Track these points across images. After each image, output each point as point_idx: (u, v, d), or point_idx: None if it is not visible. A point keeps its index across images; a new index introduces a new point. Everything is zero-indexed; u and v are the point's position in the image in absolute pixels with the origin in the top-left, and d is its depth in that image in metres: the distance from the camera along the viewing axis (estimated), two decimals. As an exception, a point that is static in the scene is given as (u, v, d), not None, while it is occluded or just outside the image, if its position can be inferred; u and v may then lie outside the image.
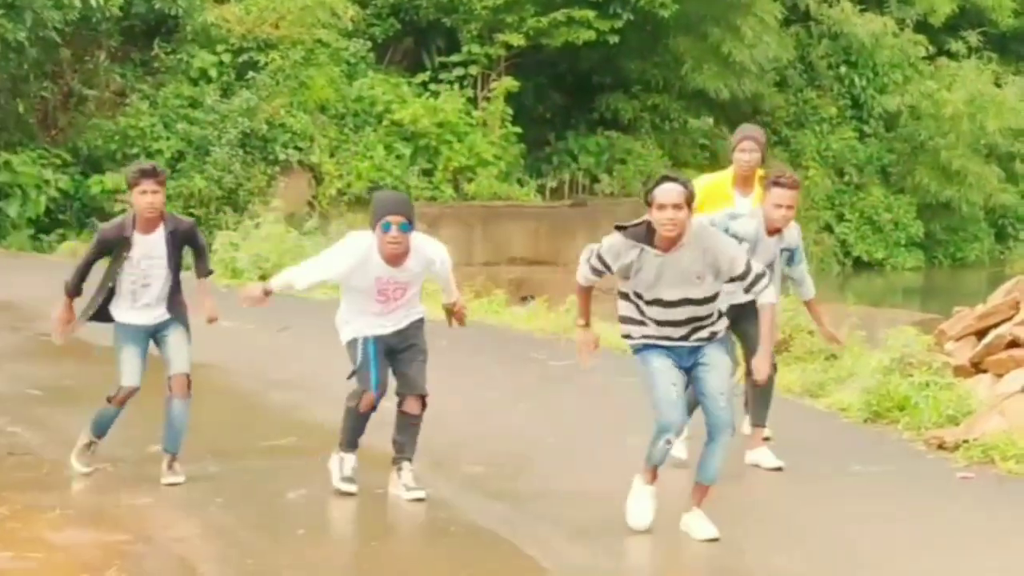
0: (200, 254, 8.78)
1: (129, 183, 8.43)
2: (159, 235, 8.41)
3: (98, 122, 23.75)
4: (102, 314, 8.56)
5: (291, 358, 12.47)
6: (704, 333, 7.58)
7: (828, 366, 12.47)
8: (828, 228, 33.83)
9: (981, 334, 12.19)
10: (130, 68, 25.15)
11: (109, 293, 8.47)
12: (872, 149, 35.07)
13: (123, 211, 22.40)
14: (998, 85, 35.67)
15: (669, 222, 7.27)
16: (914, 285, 32.94)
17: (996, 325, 12.01)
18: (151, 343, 8.56)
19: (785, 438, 9.60)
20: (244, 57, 25.37)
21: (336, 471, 8.38)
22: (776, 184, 8.81)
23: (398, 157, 25.94)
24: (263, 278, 17.73)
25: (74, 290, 8.55)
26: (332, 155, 25.38)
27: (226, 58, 25.26)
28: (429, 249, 8.26)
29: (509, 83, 27.95)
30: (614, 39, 28.02)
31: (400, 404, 8.31)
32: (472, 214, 25.68)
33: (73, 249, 21.26)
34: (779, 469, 9.15)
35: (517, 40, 27.75)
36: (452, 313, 8.67)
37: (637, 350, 7.67)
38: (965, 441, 9.65)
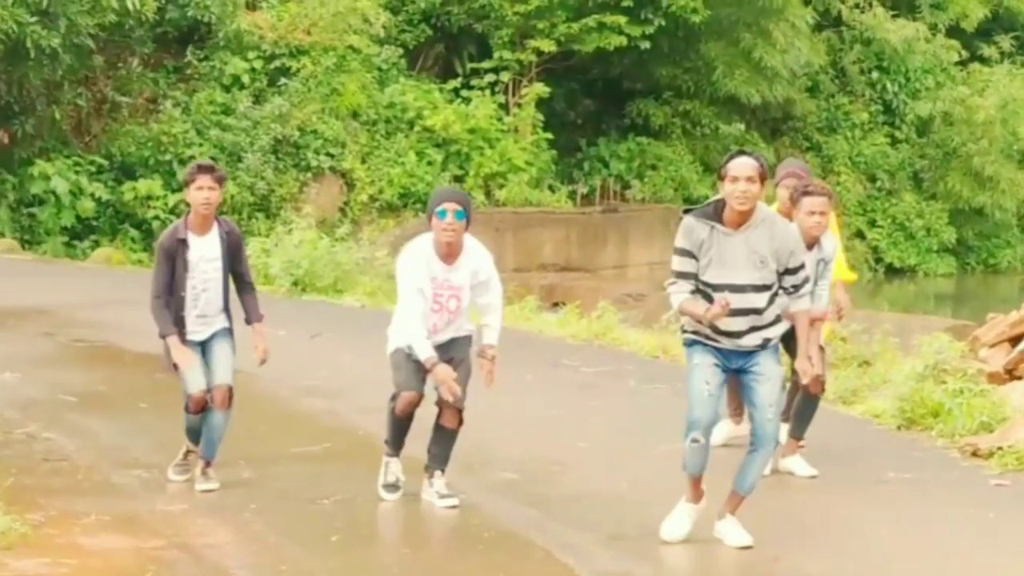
0: (249, 288, 8.66)
1: (186, 180, 8.48)
2: (214, 235, 8.45)
3: (131, 129, 23.85)
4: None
5: (323, 365, 12.49)
6: (757, 338, 7.49)
7: (861, 373, 12.45)
8: (860, 234, 33.72)
9: (1015, 341, 12.13)
10: (163, 75, 25.25)
11: (178, 302, 8.43)
12: (904, 155, 34.96)
13: (155, 217, 22.62)
14: (1031, 90, 35.56)
15: (742, 195, 7.28)
16: (946, 291, 32.81)
17: (1031, 331, 11.96)
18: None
19: (818, 445, 9.57)
20: (276, 63, 25.45)
21: (381, 476, 8.42)
22: (807, 194, 8.85)
23: (429, 163, 25.99)
24: (295, 284, 17.82)
25: (169, 326, 8.40)
26: (364, 161, 25.44)
27: (258, 64, 25.34)
28: (479, 253, 8.23)
29: (540, 89, 27.96)
30: (645, 45, 28.02)
31: (438, 416, 8.32)
32: (503, 220, 25.69)
33: (107, 256, 21.37)
34: (813, 477, 9.13)
35: (548, 46, 27.77)
36: (483, 360, 8.34)
37: (687, 344, 7.65)
38: (999, 448, 9.61)
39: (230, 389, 8.50)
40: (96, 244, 22.68)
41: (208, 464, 8.56)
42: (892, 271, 33.86)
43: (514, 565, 7.42)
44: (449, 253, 8.06)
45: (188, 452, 8.72)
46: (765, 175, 7.39)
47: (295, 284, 17.92)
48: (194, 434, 8.65)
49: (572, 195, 28.81)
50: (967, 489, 9.06)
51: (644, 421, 10.49)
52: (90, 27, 21.91)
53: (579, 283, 24.99)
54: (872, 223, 34.11)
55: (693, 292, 7.45)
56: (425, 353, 8.00)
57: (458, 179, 26.31)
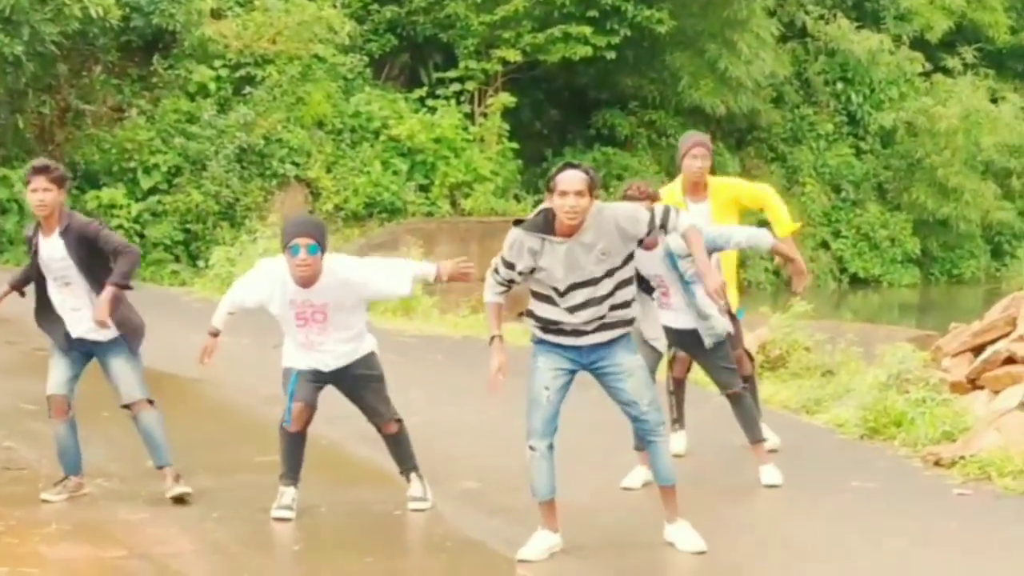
0: (114, 256, 8.23)
1: (24, 182, 8.36)
2: (55, 237, 8.25)
3: (95, 136, 23.74)
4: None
5: (287, 373, 12.43)
6: (604, 337, 7.37)
7: (825, 382, 12.50)
8: (824, 245, 33.85)
9: (978, 350, 12.19)
10: (128, 83, 25.14)
11: (44, 295, 8.37)
12: (869, 166, 35.10)
13: (119, 226, 22.51)
14: (994, 101, 35.76)
15: (571, 209, 7.16)
16: (910, 302, 32.96)
17: (993, 341, 12.01)
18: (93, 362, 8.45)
19: (782, 454, 9.61)
20: (241, 72, 25.36)
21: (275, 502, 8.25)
22: (626, 198, 8.68)
23: (395, 173, 25.95)
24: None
25: (13, 283, 8.54)
26: (329, 170, 25.38)
27: (223, 73, 25.24)
28: (344, 270, 8.09)
29: (506, 99, 27.97)
30: (611, 55, 28.05)
31: (378, 429, 8.29)
32: (469, 230, 25.67)
33: (69, 264, 21.23)
34: (772, 487, 9.08)
35: (514, 56, 27.79)
36: (452, 278, 8.37)
37: (533, 341, 7.54)
38: (962, 458, 9.65)
39: (145, 400, 8.37)
40: (59, 252, 22.54)
41: (167, 470, 8.43)
42: (856, 281, 33.97)
43: (477, 574, 7.41)
44: (305, 284, 7.99)
45: (64, 479, 8.48)
46: (595, 186, 7.25)
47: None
48: (65, 458, 8.45)
49: (538, 205, 28.79)
50: (930, 498, 9.09)
51: (608, 431, 10.47)
52: (53, 35, 21.79)
53: (545, 293, 24.95)
54: (837, 234, 34.23)
55: (504, 292, 7.48)
56: (215, 320, 8.15)
57: (423, 188, 26.28)
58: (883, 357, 11.92)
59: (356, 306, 8.15)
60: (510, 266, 7.39)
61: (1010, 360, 11.47)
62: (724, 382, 9.17)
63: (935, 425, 10.38)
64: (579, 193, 7.16)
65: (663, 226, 7.46)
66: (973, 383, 11.63)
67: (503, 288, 7.51)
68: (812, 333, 14.29)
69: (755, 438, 9.25)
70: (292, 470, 8.22)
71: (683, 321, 8.96)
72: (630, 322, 7.49)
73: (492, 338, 7.50)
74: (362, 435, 8.98)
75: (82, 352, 8.42)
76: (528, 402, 7.50)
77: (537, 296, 7.44)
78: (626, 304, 7.42)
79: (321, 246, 7.92)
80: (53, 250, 8.26)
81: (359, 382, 8.17)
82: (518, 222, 7.45)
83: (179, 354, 12.75)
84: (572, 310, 7.33)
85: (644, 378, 7.54)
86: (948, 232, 35.17)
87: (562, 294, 7.32)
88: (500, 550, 7.73)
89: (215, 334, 8.18)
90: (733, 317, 9.53)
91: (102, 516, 8.15)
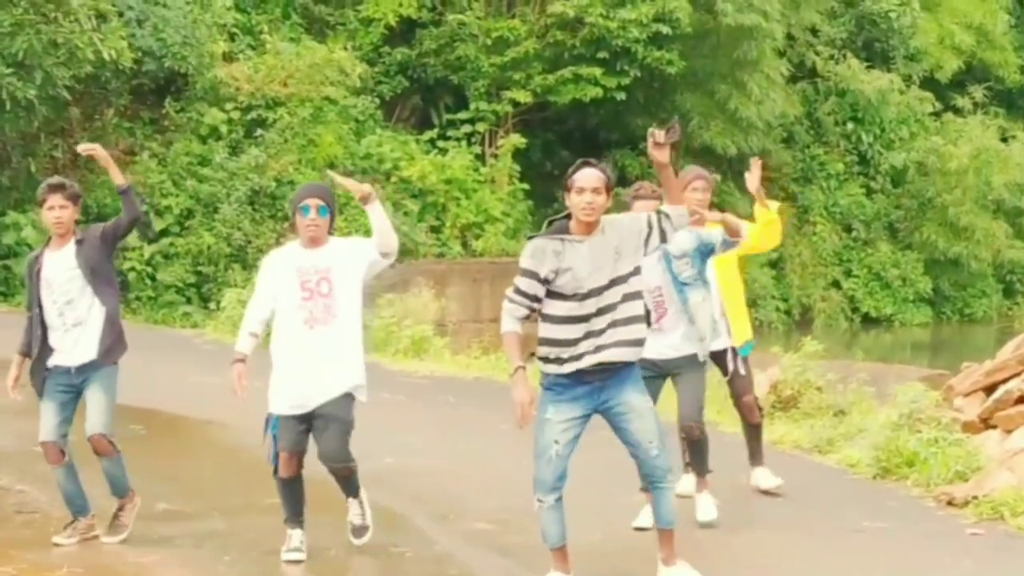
0: (128, 222, 8.38)
1: (39, 201, 8.32)
2: (69, 246, 8.30)
3: (107, 180, 23.77)
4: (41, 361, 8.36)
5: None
6: (617, 348, 7.16)
7: (837, 422, 12.47)
8: (836, 284, 33.84)
9: (990, 390, 12.16)
10: (139, 126, 25.25)
11: (41, 329, 8.30)
12: (879, 205, 35.14)
13: (131, 268, 22.49)
14: (1004, 140, 35.81)
15: (588, 206, 7.13)
16: (922, 341, 32.92)
17: (1005, 380, 11.98)
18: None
19: (794, 494, 9.57)
20: (253, 115, 25.47)
21: (284, 546, 8.21)
22: (637, 197, 8.73)
23: (406, 214, 26.00)
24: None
25: (21, 350, 8.44)
26: (341, 212, 25.40)
27: (235, 116, 25.36)
28: (346, 241, 8.35)
29: (516, 140, 28.07)
30: (621, 96, 28.17)
31: (330, 471, 8.23)
32: (480, 270, 25.71)
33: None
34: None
35: (524, 97, 27.90)
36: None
37: (545, 387, 7.29)
38: (975, 497, 9.61)
39: (103, 437, 8.30)
40: (71, 295, 22.56)
41: (122, 507, 8.41)
42: (868, 321, 33.96)
43: (488, 616, 7.39)
44: (313, 244, 8.11)
45: (73, 522, 8.46)
46: (611, 186, 7.27)
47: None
48: (71, 501, 8.43)
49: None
50: (943, 538, 9.05)
51: (618, 471, 10.45)
52: (66, 79, 21.91)
53: (556, 333, 24.92)
54: (848, 273, 34.24)
55: (524, 318, 7.20)
56: (238, 346, 8.15)
57: (435, 229, 26.34)
58: (895, 397, 11.90)
59: (358, 280, 8.15)
60: (533, 275, 7.13)
61: (1022, 399, 11.44)
62: (688, 414, 9.02)
63: (948, 465, 10.35)
64: (596, 190, 7.17)
65: (662, 234, 7.38)
66: (985, 422, 11.59)
67: (524, 312, 7.18)
68: (824, 373, 14.26)
69: (700, 471, 9.16)
70: (295, 513, 8.21)
71: (675, 348, 8.87)
72: (640, 342, 7.30)
73: (516, 369, 7.07)
74: (371, 477, 8.94)
75: (70, 392, 8.39)
76: (536, 454, 7.27)
77: (549, 319, 7.22)
78: (635, 319, 7.24)
79: (330, 209, 8.04)
80: (61, 261, 8.29)
81: (328, 422, 8.09)
82: (531, 237, 7.34)
83: (191, 396, 12.79)
84: (591, 317, 7.12)
85: (652, 421, 7.36)
86: (960, 271, 35.18)
87: (584, 297, 7.12)
88: (511, 592, 7.71)
89: (242, 360, 8.15)
90: (743, 361, 9.55)
91: (113, 559, 8.14)
